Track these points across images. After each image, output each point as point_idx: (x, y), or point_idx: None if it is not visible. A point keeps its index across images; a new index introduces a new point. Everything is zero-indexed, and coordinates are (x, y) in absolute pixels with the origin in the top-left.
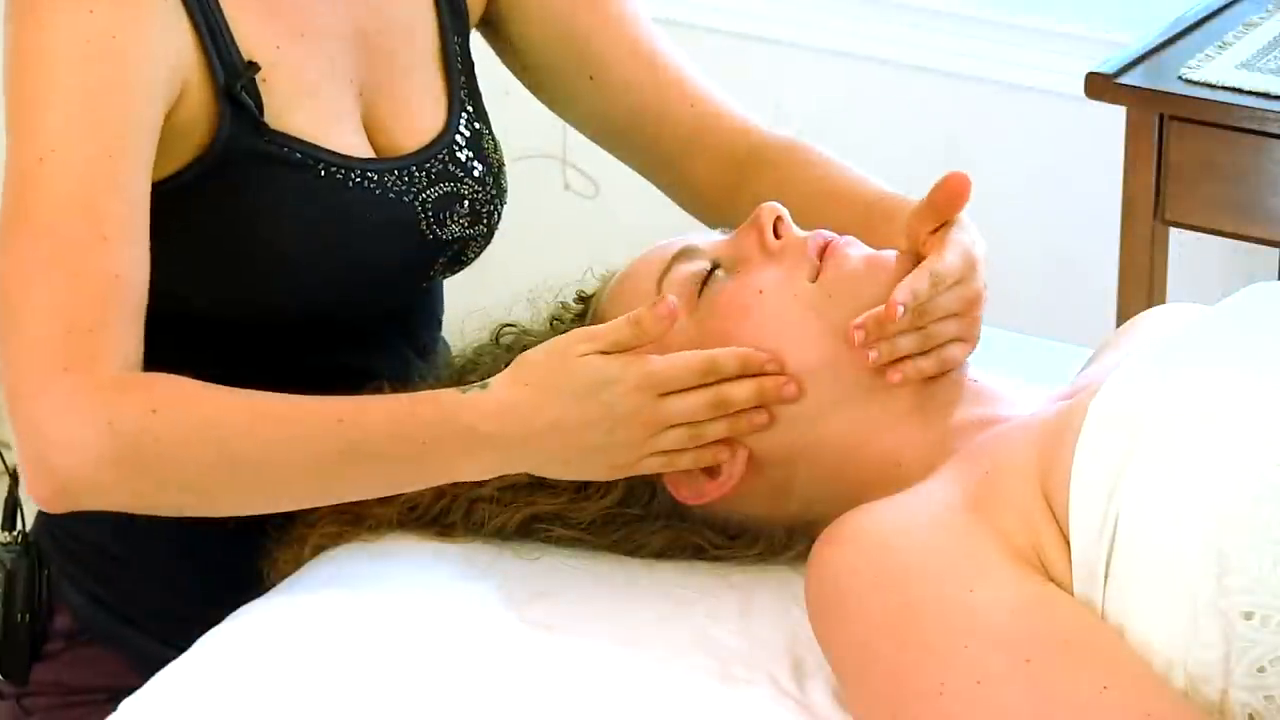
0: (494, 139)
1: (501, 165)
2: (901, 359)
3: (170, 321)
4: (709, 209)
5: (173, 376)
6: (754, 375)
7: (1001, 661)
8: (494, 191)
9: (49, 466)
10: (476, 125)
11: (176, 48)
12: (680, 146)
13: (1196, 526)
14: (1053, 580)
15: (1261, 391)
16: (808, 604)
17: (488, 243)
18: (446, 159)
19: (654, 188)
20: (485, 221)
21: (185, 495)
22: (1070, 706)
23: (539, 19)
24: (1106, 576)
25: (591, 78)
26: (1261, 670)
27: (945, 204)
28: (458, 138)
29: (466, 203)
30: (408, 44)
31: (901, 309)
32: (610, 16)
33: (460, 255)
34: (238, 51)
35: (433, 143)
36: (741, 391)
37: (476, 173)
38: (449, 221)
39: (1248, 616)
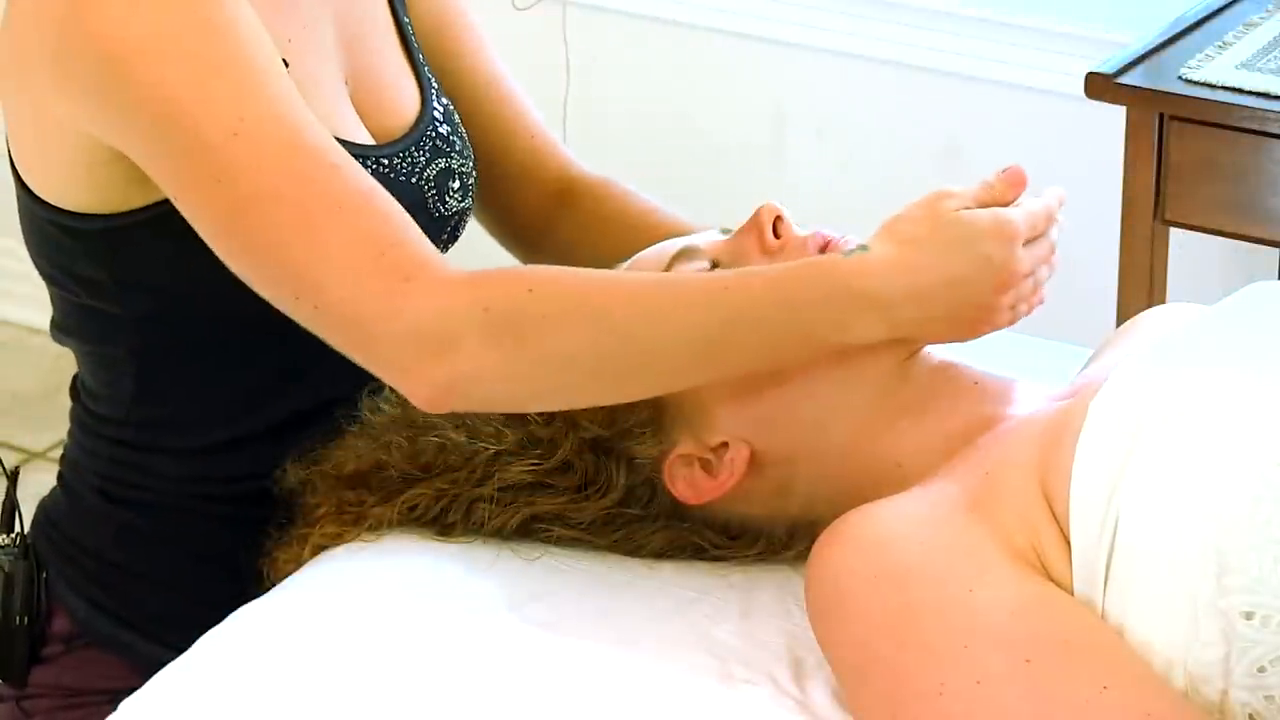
0: (457, 111)
1: (468, 136)
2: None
3: (202, 323)
4: (523, 237)
5: (534, 265)
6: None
7: (1001, 661)
8: (473, 162)
9: (432, 364)
10: (444, 99)
11: None
12: (514, 174)
13: (1196, 526)
14: (1053, 580)
15: (1261, 391)
16: (807, 604)
17: (469, 215)
18: (434, 135)
19: (652, 188)
20: (471, 193)
21: (569, 374)
22: (1070, 706)
23: (419, 29)
24: (1107, 577)
25: (450, 94)
26: (1262, 670)
27: (1004, 190)
28: (436, 113)
29: (457, 176)
30: (373, 27)
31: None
32: (471, 46)
33: (456, 230)
34: None
35: (418, 121)
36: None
37: (458, 145)
38: (448, 197)
39: (1248, 616)
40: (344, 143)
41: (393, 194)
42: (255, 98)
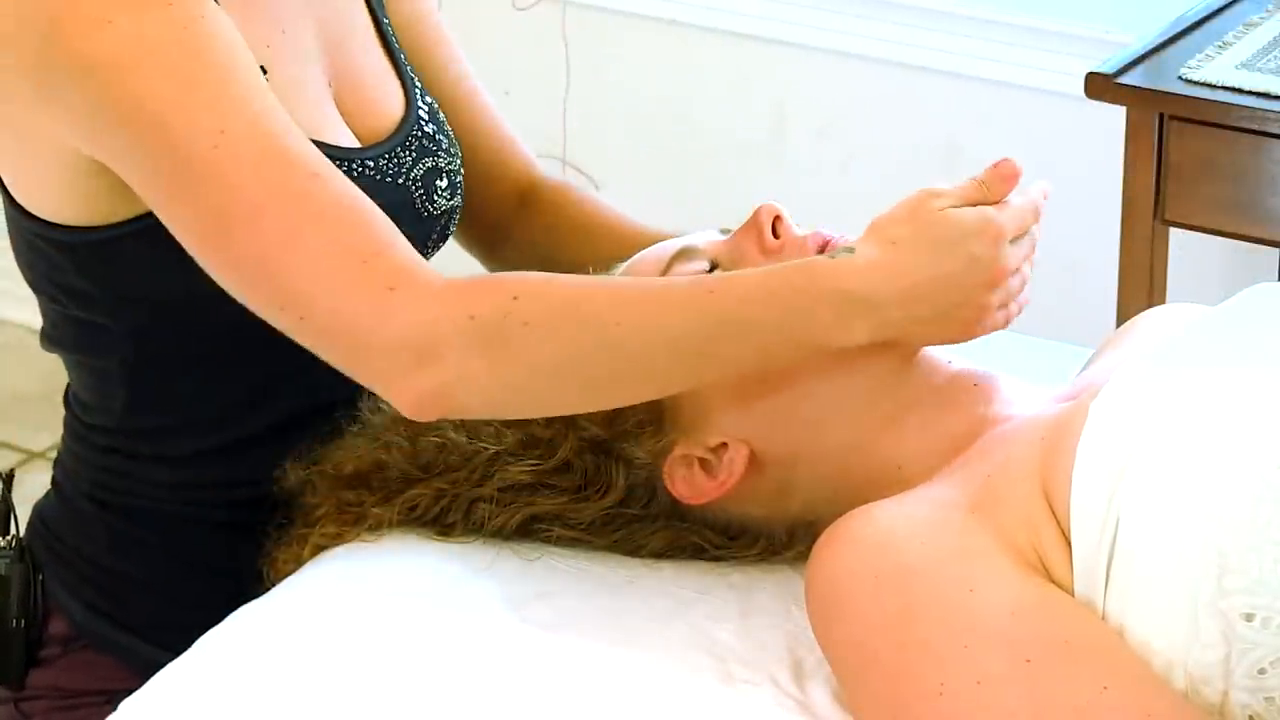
0: (440, 110)
1: (455, 135)
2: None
3: (194, 333)
4: (485, 239)
5: (518, 272)
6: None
7: (1001, 662)
8: (459, 160)
9: (417, 373)
10: (428, 98)
11: None
12: (480, 174)
13: (1197, 528)
14: (1054, 581)
15: (1262, 392)
16: (807, 605)
17: (460, 214)
18: (420, 134)
19: (653, 188)
20: (459, 191)
21: (555, 381)
22: (1070, 707)
23: (394, 27)
24: (1107, 578)
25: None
26: (1262, 672)
27: (996, 185)
28: (420, 112)
29: (445, 174)
30: (353, 29)
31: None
32: (439, 44)
33: (445, 229)
34: None
35: (404, 121)
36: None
37: (444, 143)
38: (435, 196)
39: (1248, 618)
40: (328, 146)
41: (379, 196)
42: (235, 110)
